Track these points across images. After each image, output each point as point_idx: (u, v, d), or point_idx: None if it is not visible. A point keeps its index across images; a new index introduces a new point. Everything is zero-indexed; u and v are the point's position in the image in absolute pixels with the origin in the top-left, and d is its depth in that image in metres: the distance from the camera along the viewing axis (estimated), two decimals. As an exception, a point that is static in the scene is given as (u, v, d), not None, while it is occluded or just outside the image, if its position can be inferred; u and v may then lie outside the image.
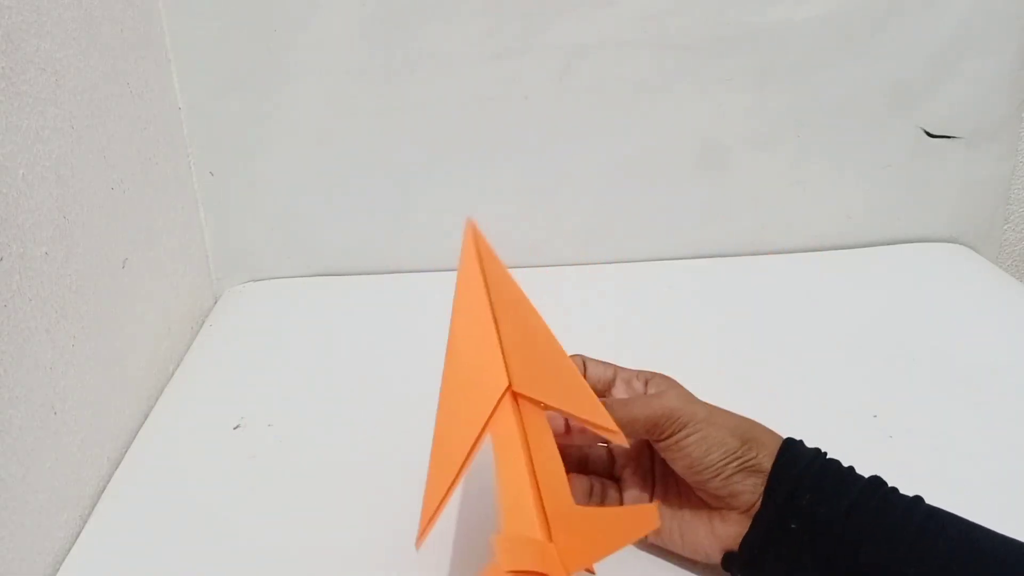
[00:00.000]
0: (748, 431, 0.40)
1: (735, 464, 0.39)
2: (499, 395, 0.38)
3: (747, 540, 0.39)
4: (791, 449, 0.40)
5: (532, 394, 0.38)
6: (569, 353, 0.44)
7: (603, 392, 0.45)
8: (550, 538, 0.34)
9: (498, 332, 0.40)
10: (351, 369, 0.64)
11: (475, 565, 0.45)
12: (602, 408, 0.39)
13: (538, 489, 0.35)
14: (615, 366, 0.46)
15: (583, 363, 0.46)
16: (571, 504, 0.35)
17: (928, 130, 0.77)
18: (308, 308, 0.75)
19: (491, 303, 0.42)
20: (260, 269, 0.79)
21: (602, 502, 0.44)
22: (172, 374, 0.65)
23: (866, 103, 0.75)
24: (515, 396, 0.38)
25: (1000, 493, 0.47)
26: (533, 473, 0.36)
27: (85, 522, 0.50)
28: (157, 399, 0.62)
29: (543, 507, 0.35)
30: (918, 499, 0.38)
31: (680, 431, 0.40)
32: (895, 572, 0.35)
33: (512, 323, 0.41)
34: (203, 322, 0.74)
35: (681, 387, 0.43)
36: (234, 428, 0.57)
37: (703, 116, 0.75)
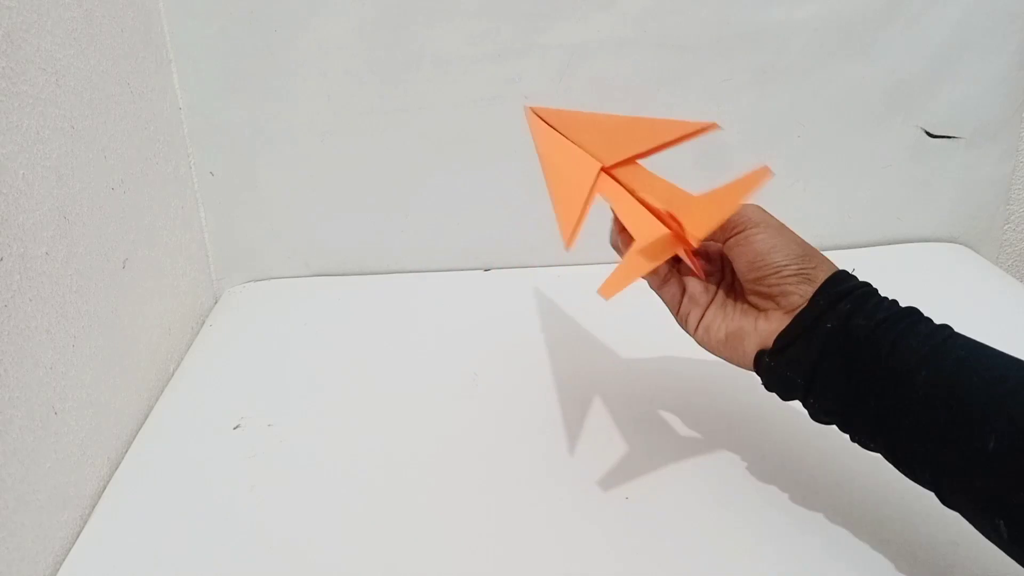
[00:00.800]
0: (811, 249, 0.44)
1: (794, 267, 0.43)
2: (595, 175, 0.46)
3: (783, 333, 0.42)
4: (844, 273, 0.43)
5: (620, 157, 0.46)
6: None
7: None
8: (679, 223, 0.42)
9: (576, 145, 0.48)
10: (351, 369, 0.64)
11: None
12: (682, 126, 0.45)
13: (650, 206, 0.44)
14: None
15: None
16: (687, 195, 0.43)
17: (928, 130, 0.77)
18: (308, 308, 0.75)
19: (564, 135, 0.49)
20: (260, 269, 0.79)
21: (663, 283, 0.49)
22: (172, 374, 0.65)
23: (866, 103, 0.75)
24: (608, 172, 0.46)
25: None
26: (643, 201, 0.44)
27: (85, 522, 0.50)
28: (157, 399, 0.62)
29: (660, 210, 0.43)
30: (945, 325, 0.41)
31: (752, 228, 0.44)
32: (911, 370, 0.38)
33: (587, 131, 0.48)
34: (203, 322, 0.74)
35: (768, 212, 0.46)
36: (234, 428, 0.57)
37: (703, 116, 0.75)
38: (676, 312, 0.48)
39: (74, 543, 0.48)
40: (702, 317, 0.47)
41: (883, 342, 0.40)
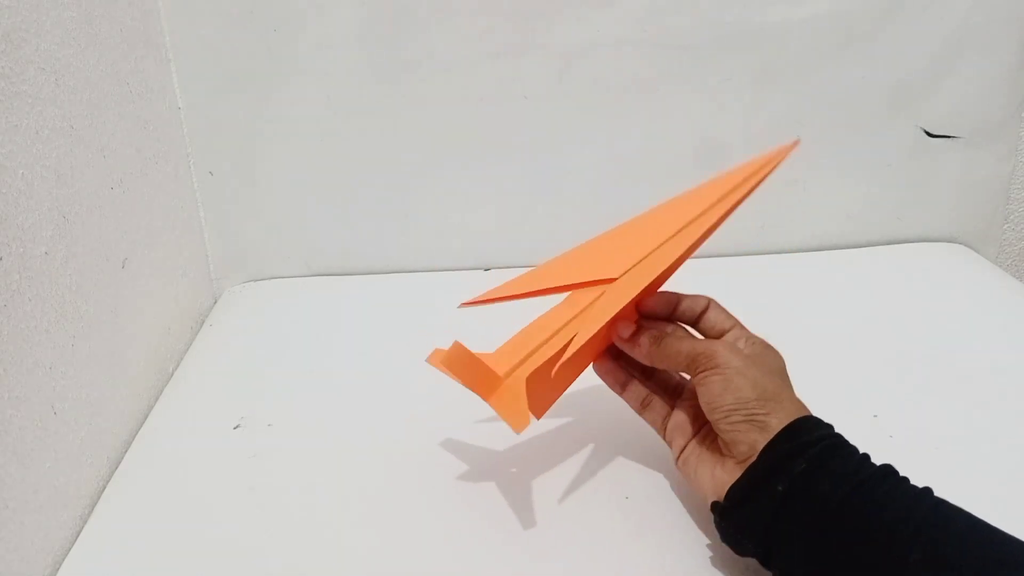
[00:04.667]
0: (772, 391, 0.41)
1: (742, 412, 0.40)
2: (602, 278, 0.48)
3: (732, 488, 0.40)
4: (808, 420, 0.41)
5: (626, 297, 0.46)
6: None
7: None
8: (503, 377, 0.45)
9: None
10: (351, 369, 0.64)
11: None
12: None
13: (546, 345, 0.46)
14: (738, 322, 0.47)
15: (707, 304, 0.48)
16: (548, 369, 0.45)
17: (928, 130, 0.77)
18: (308, 308, 0.75)
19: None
20: (260, 269, 0.79)
21: (624, 388, 0.49)
22: (172, 374, 0.65)
23: (866, 103, 0.75)
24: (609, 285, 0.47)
25: (1000, 493, 0.47)
26: (558, 332, 0.47)
27: (85, 522, 0.50)
28: (157, 399, 0.62)
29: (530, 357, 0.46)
30: (927, 490, 0.37)
31: (710, 370, 0.42)
32: (902, 552, 0.35)
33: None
34: (203, 322, 0.74)
35: (742, 354, 0.43)
36: (234, 428, 0.57)
37: (703, 116, 0.75)
38: (663, 434, 0.47)
39: (74, 543, 0.48)
40: (684, 448, 0.45)
41: (859, 514, 0.36)
